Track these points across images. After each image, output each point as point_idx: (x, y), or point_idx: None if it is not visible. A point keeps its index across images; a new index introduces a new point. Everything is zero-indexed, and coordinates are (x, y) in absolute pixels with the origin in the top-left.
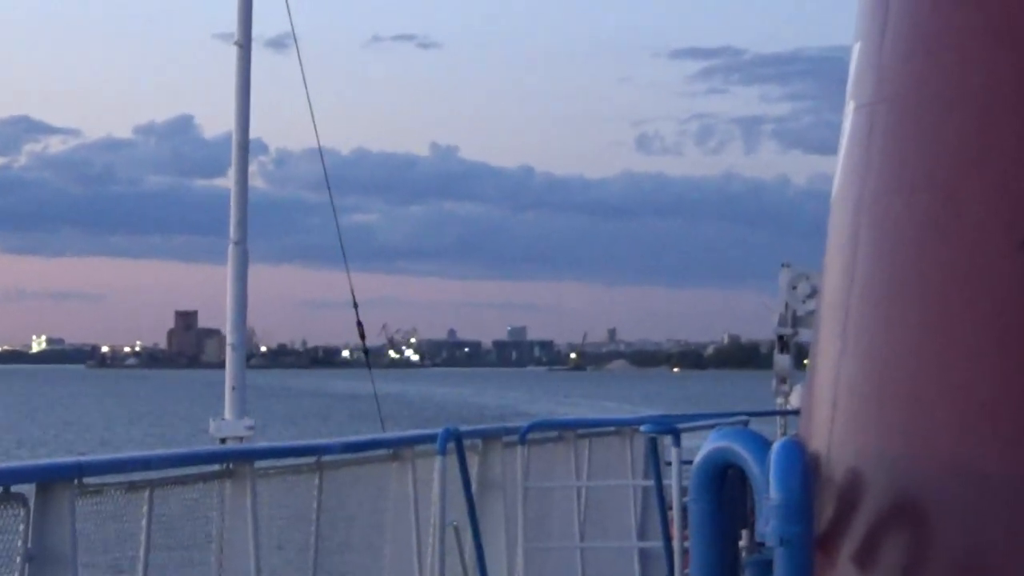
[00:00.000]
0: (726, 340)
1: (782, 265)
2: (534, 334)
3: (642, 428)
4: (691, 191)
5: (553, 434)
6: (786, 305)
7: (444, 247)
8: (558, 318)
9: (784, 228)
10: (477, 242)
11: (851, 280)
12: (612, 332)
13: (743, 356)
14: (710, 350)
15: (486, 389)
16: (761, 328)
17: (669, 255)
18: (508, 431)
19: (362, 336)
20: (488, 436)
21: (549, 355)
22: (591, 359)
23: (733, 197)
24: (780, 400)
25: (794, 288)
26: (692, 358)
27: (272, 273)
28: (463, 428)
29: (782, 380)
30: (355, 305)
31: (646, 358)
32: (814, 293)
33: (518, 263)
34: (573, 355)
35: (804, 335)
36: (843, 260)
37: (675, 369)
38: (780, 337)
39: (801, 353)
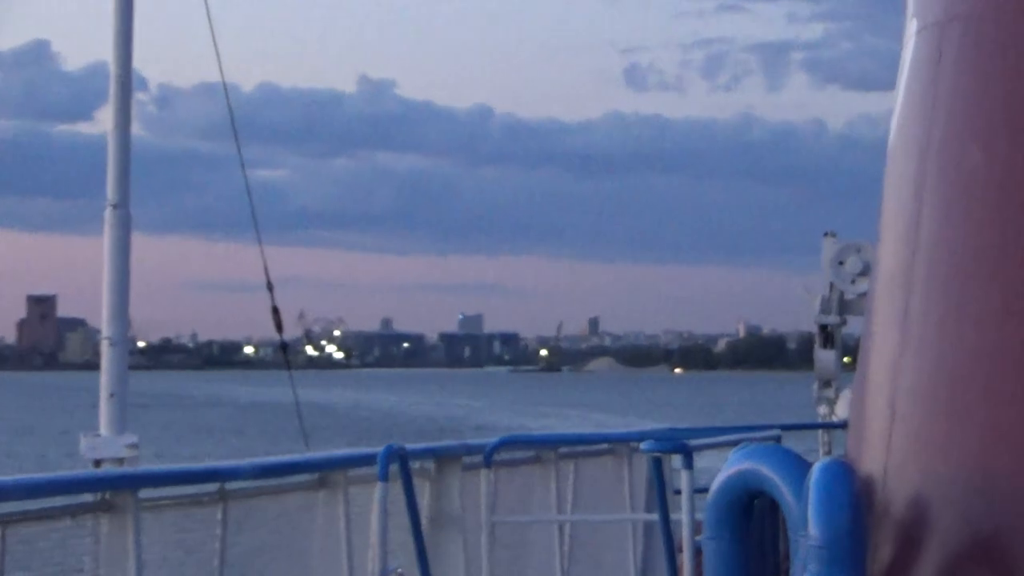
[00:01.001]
0: (742, 332)
1: (825, 235)
2: (493, 325)
3: (642, 446)
4: (697, 139)
5: (528, 454)
6: (831, 286)
7: (377, 213)
8: (524, 304)
9: (820, 187)
10: (420, 206)
11: (914, 253)
12: (594, 322)
13: (765, 353)
14: (722, 345)
15: (433, 396)
16: (789, 316)
17: (669, 223)
18: (469, 450)
19: (279, 327)
20: (443, 456)
21: (513, 352)
22: (568, 357)
23: (752, 147)
24: (822, 409)
25: (840, 264)
26: (698, 355)
27: (153, 247)
28: (410, 446)
29: (825, 383)
30: (270, 287)
31: (639, 355)
32: (867, 270)
33: (473, 234)
34: (544, 352)
35: (854, 325)
36: (903, 227)
37: (676, 370)
38: (823, 328)
39: (850, 348)
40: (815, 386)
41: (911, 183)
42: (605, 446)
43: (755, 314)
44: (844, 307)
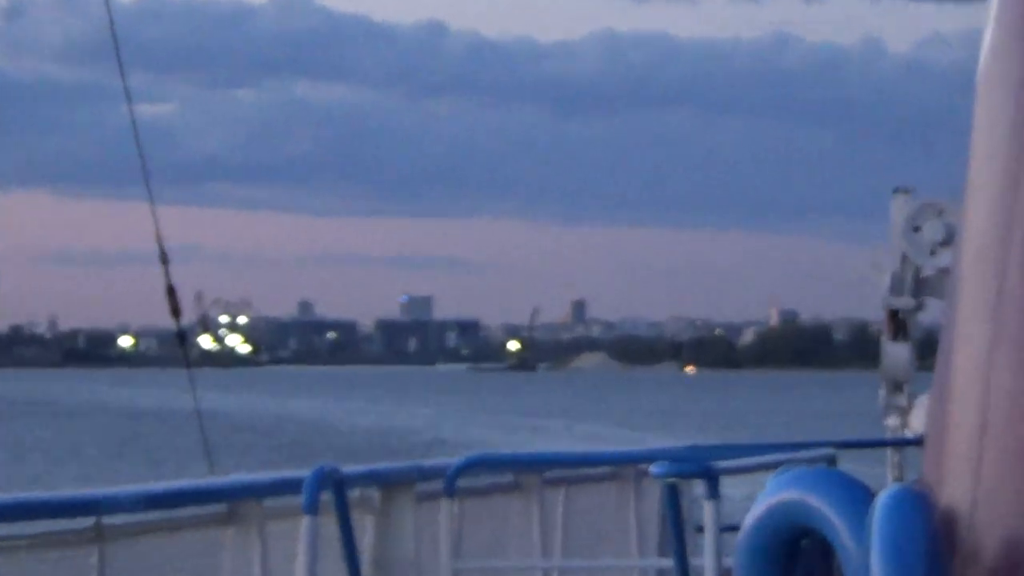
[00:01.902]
0: (774, 319)
1: (895, 191)
2: (447, 309)
3: (653, 469)
4: (714, 66)
5: (503, 479)
6: (902, 259)
7: (293, 161)
8: (488, 282)
9: (879, 129)
10: (350, 153)
11: (1012, 217)
12: (580, 306)
13: (805, 345)
14: (748, 336)
15: (372, 402)
16: (837, 299)
17: (677, 176)
18: (425, 473)
19: (176, 312)
20: (391, 482)
21: (474, 345)
22: (545, 351)
23: (787, 76)
24: (891, 421)
25: (916, 230)
26: (717, 350)
27: None
28: (346, 469)
29: (896, 386)
30: (164, 259)
31: (638, 350)
32: (950, 238)
33: (420, 190)
34: (514, 345)
35: (933, 310)
36: (998, 183)
37: (688, 368)
38: (893, 314)
39: (929, 341)
40: (882, 390)
41: (1010, 124)
42: (604, 469)
43: (792, 296)
44: (920, 287)
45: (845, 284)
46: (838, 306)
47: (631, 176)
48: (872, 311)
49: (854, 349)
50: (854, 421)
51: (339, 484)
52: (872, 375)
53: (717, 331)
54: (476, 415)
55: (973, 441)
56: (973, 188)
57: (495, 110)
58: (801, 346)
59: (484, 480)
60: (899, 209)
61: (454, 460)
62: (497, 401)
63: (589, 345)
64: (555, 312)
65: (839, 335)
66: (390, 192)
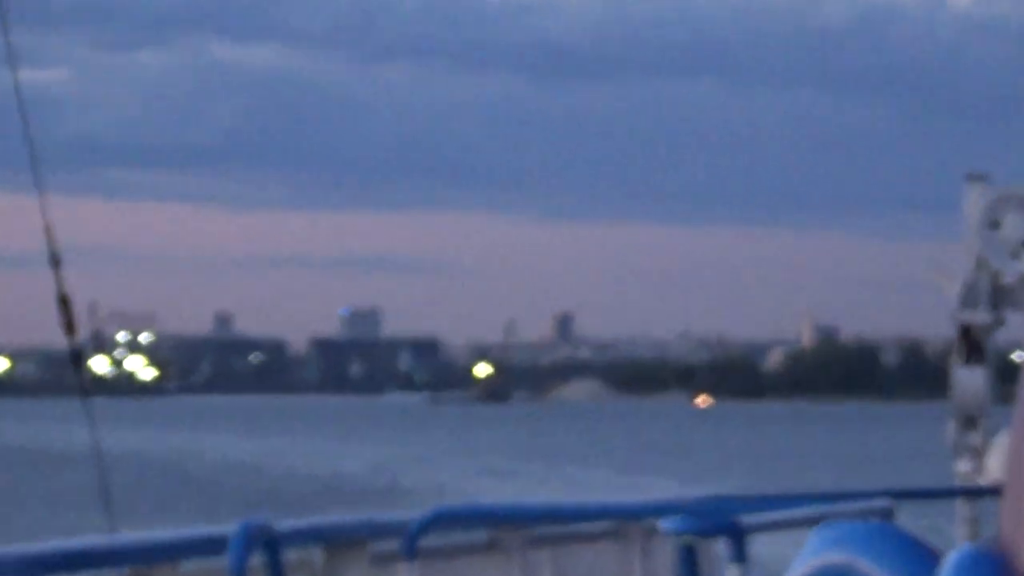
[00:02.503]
0: (807, 337)
1: (968, 179)
2: (399, 325)
3: (665, 525)
4: (732, 25)
5: (476, 537)
6: (977, 262)
7: (208, 140)
8: (450, 291)
9: (942, 101)
10: (278, 129)
11: None
12: (565, 321)
13: (846, 370)
14: (776, 358)
15: (308, 440)
16: (886, 313)
17: (687, 160)
18: (379, 529)
19: (70, 327)
20: (337, 540)
21: (433, 369)
22: (523, 377)
23: (826, 37)
24: (963, 465)
25: (995, 227)
26: (738, 374)
27: None
28: (281, 524)
29: (969, 422)
30: (55, 261)
31: (639, 375)
32: None
33: (365, 176)
34: (484, 368)
35: (1016, 326)
36: None
37: (701, 398)
38: (966, 331)
39: (1010, 365)
40: (951, 426)
41: None
42: (603, 525)
43: (830, 309)
44: (1000, 297)
45: (897, 294)
46: (888, 322)
47: (631, 161)
48: (932, 327)
49: (908, 375)
50: (914, 465)
51: (272, 543)
52: (931, 406)
53: (737, 352)
54: (439, 457)
55: None
56: None
57: (461, 78)
58: (842, 371)
59: (453, 538)
60: (973, 201)
61: (415, 514)
62: (464, 439)
63: (577, 369)
64: (535, 328)
65: (889, 357)
66: (328, 180)
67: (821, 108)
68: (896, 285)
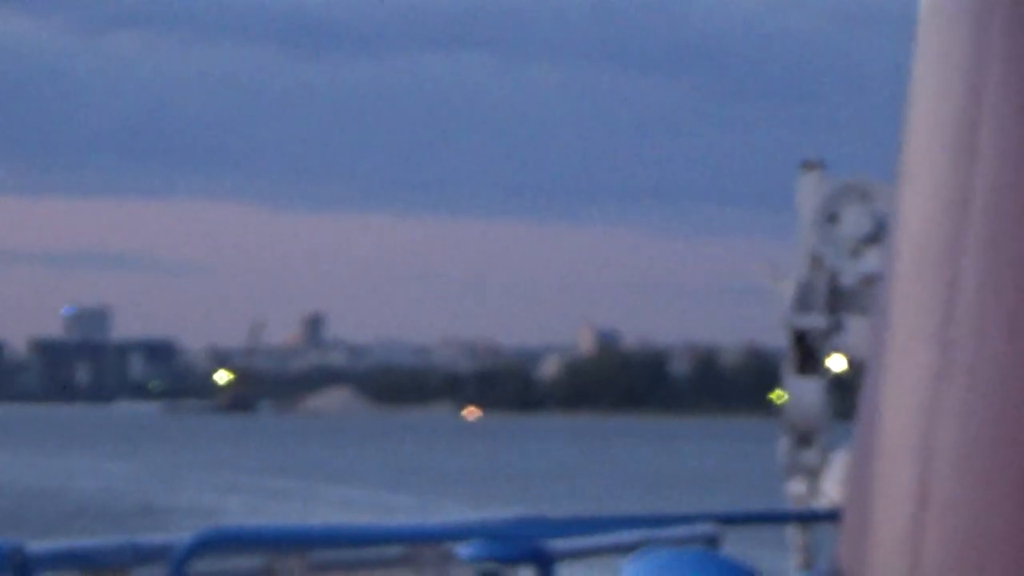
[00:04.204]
0: (587, 343)
1: (803, 167)
2: (130, 326)
3: (463, 551)
4: None
5: (251, 562)
6: (812, 261)
7: None
8: (188, 289)
9: (749, 80)
10: None
11: (966, 204)
12: (315, 323)
13: (632, 381)
14: (551, 367)
15: (34, 453)
16: (672, 317)
17: (456, 144)
18: (142, 554)
19: None
20: (96, 566)
21: (168, 375)
22: (268, 385)
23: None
24: (796, 487)
25: (832, 221)
26: (509, 384)
27: None
28: (32, 546)
29: (803, 439)
30: None
31: (399, 384)
32: (879, 233)
33: (89, 157)
34: (225, 375)
35: (855, 331)
36: (949, 158)
37: (469, 410)
38: (800, 338)
39: (848, 377)
40: (783, 443)
41: (963, 81)
42: (394, 550)
43: (609, 313)
44: (838, 300)
45: (690, 297)
46: (677, 328)
47: (394, 145)
48: (728, 334)
49: (700, 386)
50: (739, 486)
51: (23, 568)
52: (728, 423)
53: (507, 360)
54: (183, 473)
55: (910, 516)
56: (912, 164)
57: (201, 49)
58: (626, 381)
59: (226, 563)
60: (808, 192)
61: (182, 536)
62: (208, 454)
63: (330, 377)
64: (282, 331)
65: (680, 366)
66: (47, 162)
67: (610, 87)
68: (689, 287)
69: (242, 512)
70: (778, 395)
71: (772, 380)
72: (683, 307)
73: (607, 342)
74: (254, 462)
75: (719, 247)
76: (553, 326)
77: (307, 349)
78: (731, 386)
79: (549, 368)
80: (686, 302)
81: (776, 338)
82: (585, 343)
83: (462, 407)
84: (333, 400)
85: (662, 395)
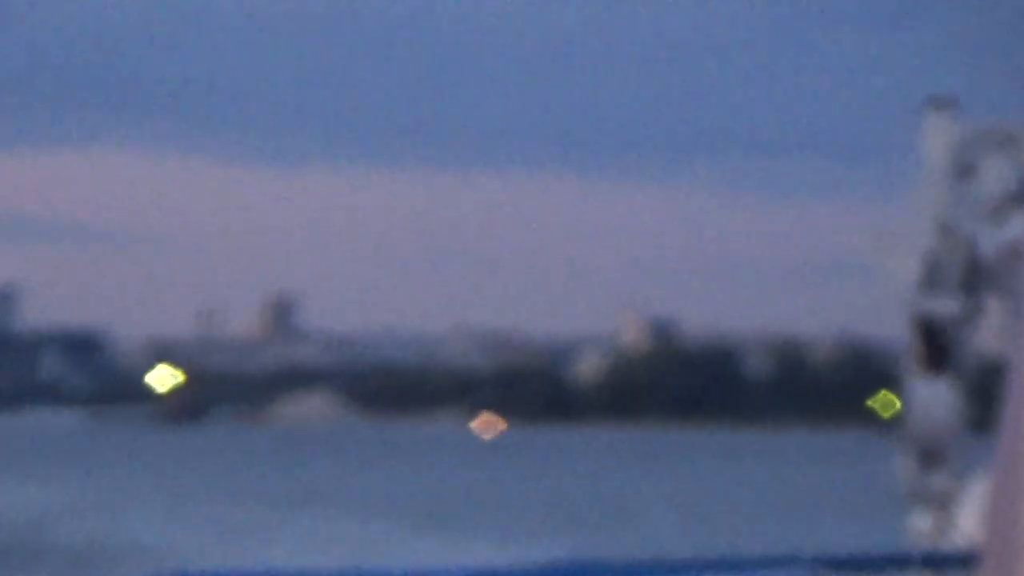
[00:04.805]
0: (633, 334)
1: (929, 105)
2: (44, 312)
3: None
4: None
5: None
6: (942, 229)
7: None
8: (120, 264)
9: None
10: None
11: None
12: (283, 308)
13: (691, 381)
14: (589, 365)
15: None
16: (744, 299)
17: (461, 87)
18: None
19: None
20: None
21: (95, 374)
22: (224, 387)
23: None
24: (921, 520)
25: (966, 175)
26: (536, 387)
27: None
28: None
29: (930, 458)
30: None
31: (395, 387)
32: None
33: None
34: (167, 375)
35: (998, 319)
36: None
37: (483, 420)
38: (925, 326)
39: (988, 377)
40: (903, 463)
41: None
42: None
43: (664, 296)
44: (975, 277)
45: (767, 274)
46: (750, 314)
47: (389, 80)
48: (812, 324)
49: (783, 389)
50: (838, 519)
51: None
52: (819, 436)
53: (533, 355)
54: (126, 500)
55: None
56: None
57: None
58: (687, 384)
59: None
60: (937, 138)
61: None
62: (151, 475)
63: (303, 378)
64: (241, 318)
65: (756, 364)
66: None
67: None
68: (767, 263)
69: (199, 550)
70: (888, 400)
71: (874, 381)
72: (760, 289)
73: (661, 333)
74: (210, 487)
75: (808, 212)
76: (592, 313)
77: (273, 342)
78: (822, 389)
79: (587, 367)
80: (763, 282)
81: (882, 327)
82: (632, 335)
83: (475, 416)
84: (308, 407)
85: (733, 401)
